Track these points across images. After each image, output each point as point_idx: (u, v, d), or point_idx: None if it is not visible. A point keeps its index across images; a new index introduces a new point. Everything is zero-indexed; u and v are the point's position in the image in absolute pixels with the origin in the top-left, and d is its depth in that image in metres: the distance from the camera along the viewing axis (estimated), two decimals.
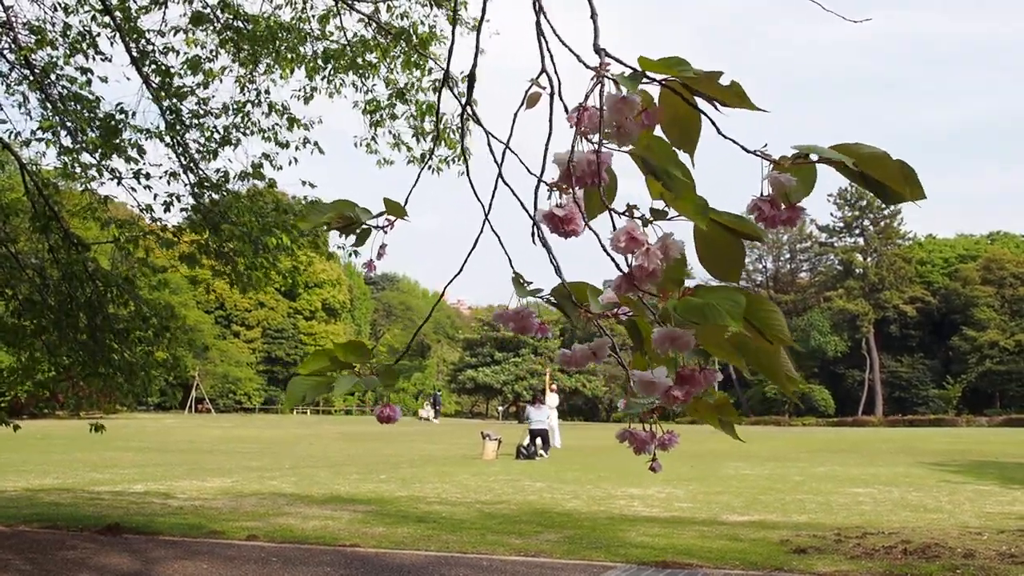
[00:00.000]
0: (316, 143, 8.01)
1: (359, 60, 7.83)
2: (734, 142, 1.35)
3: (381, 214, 1.60)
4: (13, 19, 7.28)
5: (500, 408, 66.83)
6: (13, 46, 7.34)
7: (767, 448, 24.18)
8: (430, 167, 8.01)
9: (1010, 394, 67.82)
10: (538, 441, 19.69)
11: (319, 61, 7.89)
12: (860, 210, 74.17)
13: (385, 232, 1.61)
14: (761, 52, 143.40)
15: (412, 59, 7.80)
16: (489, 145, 1.72)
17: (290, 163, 7.96)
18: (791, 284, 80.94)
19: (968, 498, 10.91)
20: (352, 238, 1.62)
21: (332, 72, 7.93)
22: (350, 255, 8.20)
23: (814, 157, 1.29)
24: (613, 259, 1.33)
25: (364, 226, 1.59)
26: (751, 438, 31.25)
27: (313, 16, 7.83)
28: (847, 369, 72.11)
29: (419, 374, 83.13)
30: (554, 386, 25.12)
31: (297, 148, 7.95)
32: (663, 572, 6.34)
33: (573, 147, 1.33)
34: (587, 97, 1.33)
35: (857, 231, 75.42)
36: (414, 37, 7.69)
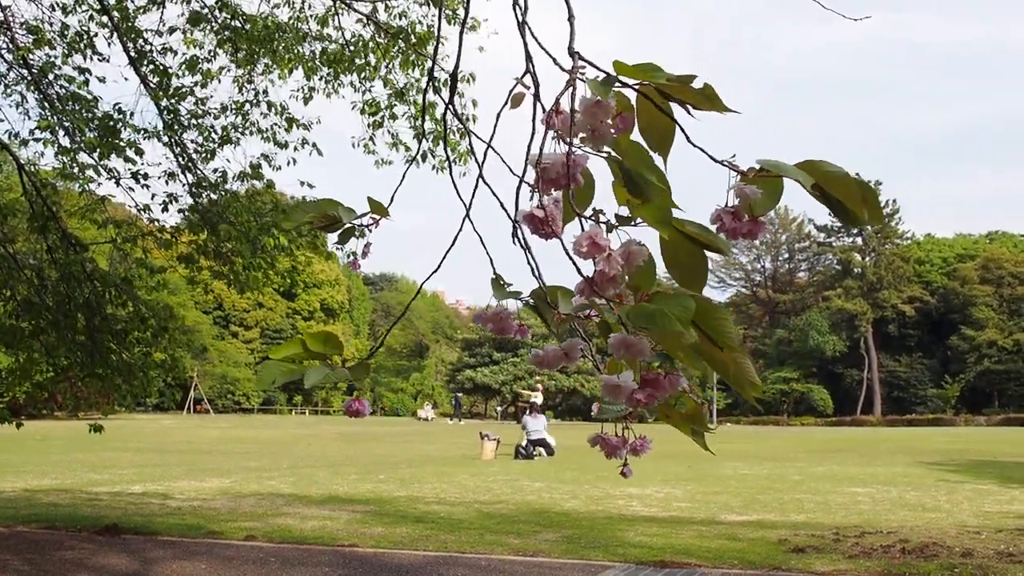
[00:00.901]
0: (315, 144, 8.01)
1: (357, 60, 7.83)
2: (702, 151, 1.35)
3: (366, 214, 1.60)
4: (10, 19, 7.28)
5: (499, 408, 66.87)
6: (11, 46, 7.33)
7: (765, 448, 24.20)
8: (433, 167, 8.02)
9: (1008, 393, 67.89)
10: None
11: (317, 61, 7.89)
12: None
13: (369, 231, 1.61)
14: (755, 55, 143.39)
15: (410, 59, 7.80)
16: (470, 145, 1.73)
17: (289, 163, 7.96)
18: (789, 284, 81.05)
19: (966, 497, 10.91)
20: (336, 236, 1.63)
21: (331, 73, 7.93)
22: (348, 256, 8.19)
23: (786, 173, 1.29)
24: (575, 263, 1.33)
25: (347, 225, 1.59)
26: (749, 438, 31.29)
27: (311, 16, 7.83)
28: (845, 369, 72.19)
29: (417, 374, 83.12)
30: (539, 386, 25.10)
31: (296, 149, 7.95)
32: (661, 572, 6.34)
33: (541, 150, 1.33)
34: (558, 100, 1.33)
35: (855, 231, 75.45)
36: (412, 37, 7.69)
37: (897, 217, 74.50)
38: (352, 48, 7.80)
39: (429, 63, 7.72)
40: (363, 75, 7.93)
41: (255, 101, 7.90)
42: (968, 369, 68.85)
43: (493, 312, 1.50)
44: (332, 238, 1.63)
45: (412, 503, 10.20)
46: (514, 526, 8.37)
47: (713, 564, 6.57)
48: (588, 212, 1.38)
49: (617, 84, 1.32)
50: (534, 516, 9.11)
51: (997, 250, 74.05)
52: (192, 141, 7.74)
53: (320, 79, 8.00)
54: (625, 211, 1.37)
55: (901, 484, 12.69)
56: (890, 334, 72.22)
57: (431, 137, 7.97)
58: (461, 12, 7.66)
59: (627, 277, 1.31)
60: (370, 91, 8.05)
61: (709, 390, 70.39)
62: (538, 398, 22.49)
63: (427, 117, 7.96)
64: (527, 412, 20.70)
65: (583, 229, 1.36)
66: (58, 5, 7.43)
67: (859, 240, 75.65)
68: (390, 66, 7.93)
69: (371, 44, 7.80)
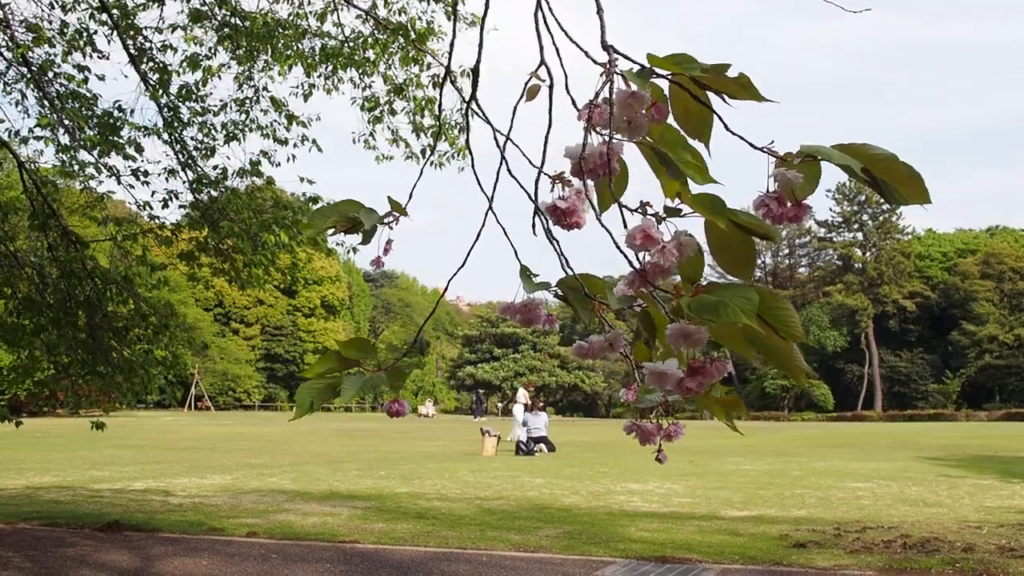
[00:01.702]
0: (314, 141, 8.01)
1: (357, 56, 7.83)
2: (742, 138, 1.36)
3: (388, 213, 1.61)
4: (10, 16, 7.27)
5: (500, 404, 66.92)
6: (10, 44, 7.33)
7: (767, 443, 24.20)
8: (432, 162, 8.01)
9: (1009, 388, 67.90)
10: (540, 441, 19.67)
11: (316, 58, 7.88)
12: (859, 205, 74.21)
13: (391, 228, 1.62)
14: (752, 55, 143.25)
15: (410, 55, 7.79)
16: (495, 139, 1.73)
17: (289, 160, 7.96)
18: (790, 279, 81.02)
19: (967, 492, 10.92)
20: (358, 237, 1.63)
21: (331, 69, 7.92)
22: (349, 252, 8.20)
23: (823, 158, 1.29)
24: (625, 255, 1.34)
25: (368, 227, 1.60)
26: (751, 433, 31.30)
27: (310, 12, 7.82)
28: (846, 364, 72.18)
29: (418, 371, 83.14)
30: (530, 387, 25.10)
31: (295, 145, 7.95)
32: (662, 567, 6.35)
33: (585, 141, 1.34)
34: (597, 94, 1.34)
35: (856, 226, 75.45)
36: (412, 32, 7.68)
37: (898, 212, 74.42)
38: (351, 45, 7.79)
39: (438, 59, 7.71)
40: (362, 70, 7.92)
41: (255, 98, 7.89)
42: (969, 364, 68.84)
43: (522, 303, 1.51)
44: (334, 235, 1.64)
45: (413, 499, 10.21)
46: (515, 522, 8.38)
47: (714, 559, 6.58)
48: (633, 202, 1.39)
49: (652, 76, 1.33)
50: (535, 512, 9.12)
51: (998, 245, 74.00)
52: (192, 138, 7.74)
53: (319, 76, 7.99)
54: (670, 203, 1.39)
55: (902, 479, 12.70)
56: (891, 329, 72.20)
57: (431, 133, 7.97)
58: (462, 8, 7.65)
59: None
60: (370, 87, 8.05)
61: None
62: (523, 395, 22.47)
63: (427, 113, 7.95)
64: (528, 409, 20.62)
65: (624, 222, 1.37)
66: (57, 3, 7.42)
67: (860, 235, 75.60)
68: (389, 62, 7.92)
69: (370, 40, 7.79)
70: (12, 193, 8.49)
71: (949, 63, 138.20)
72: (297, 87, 8.09)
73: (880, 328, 71.93)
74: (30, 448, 19.25)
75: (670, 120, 1.39)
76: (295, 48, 7.79)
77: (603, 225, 1.38)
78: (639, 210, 1.36)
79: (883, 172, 1.31)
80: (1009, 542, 7.14)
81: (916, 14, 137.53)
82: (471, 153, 2.16)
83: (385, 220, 1.61)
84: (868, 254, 74.52)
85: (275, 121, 7.90)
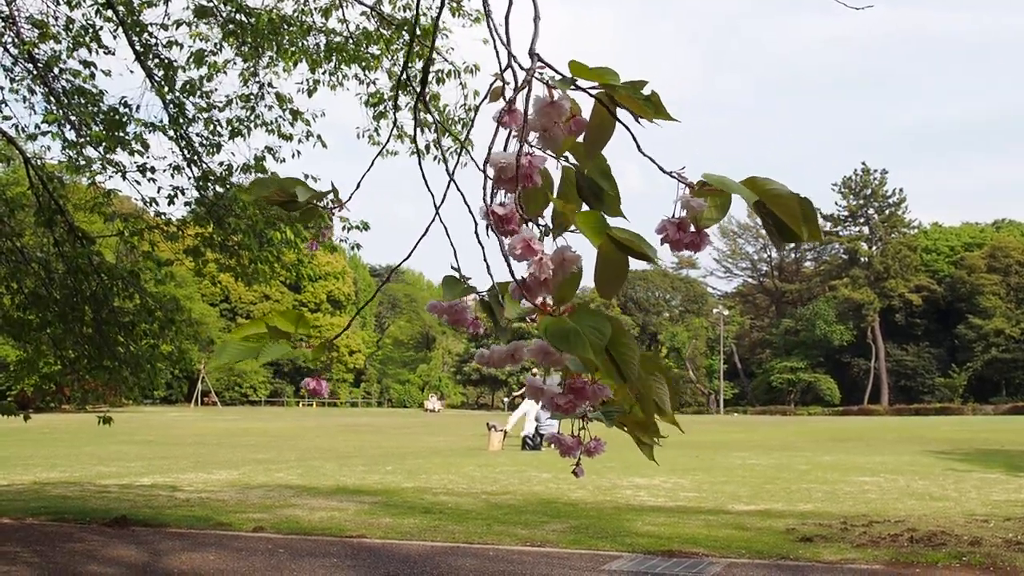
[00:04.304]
0: (319, 136, 8.02)
1: (361, 52, 7.82)
2: (652, 160, 1.34)
3: (327, 193, 1.62)
4: (16, 13, 7.29)
5: (505, 399, 66.94)
6: (16, 40, 7.34)
7: (773, 437, 24.19)
8: (436, 158, 8.00)
9: (1016, 382, 67.80)
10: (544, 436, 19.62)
11: (321, 53, 7.88)
12: (865, 199, 74.09)
13: (332, 214, 1.63)
14: (759, 48, 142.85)
15: (415, 50, 7.78)
16: (438, 139, 1.73)
17: (294, 156, 7.97)
18: (796, 273, 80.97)
19: (974, 486, 10.91)
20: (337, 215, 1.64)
21: (336, 66, 7.92)
22: (354, 248, 8.21)
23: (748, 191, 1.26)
24: (509, 266, 1.32)
25: (303, 201, 1.60)
26: (756, 428, 31.30)
27: (316, 9, 7.82)
28: (853, 358, 72.14)
29: (424, 366, 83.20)
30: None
31: (300, 141, 7.95)
32: (668, 561, 6.35)
33: (491, 149, 1.32)
34: (512, 99, 1.33)
35: (862, 220, 75.33)
36: (416, 28, 7.67)
37: (904, 206, 74.30)
38: (355, 40, 7.78)
39: (444, 56, 7.69)
40: (364, 65, 7.91)
41: (260, 94, 7.90)
42: (975, 358, 68.76)
43: (448, 304, 1.51)
44: (338, 231, 1.64)
45: (420, 494, 10.22)
46: (521, 516, 8.39)
47: (721, 553, 6.58)
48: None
49: (573, 86, 1.31)
50: (541, 506, 9.13)
51: (1004, 238, 73.84)
52: (198, 134, 7.75)
53: (324, 72, 7.99)
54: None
55: (908, 473, 12.69)
56: (897, 323, 72.12)
57: (434, 128, 7.96)
58: (465, 4, 7.63)
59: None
60: (374, 83, 8.04)
61: (716, 381, 70.37)
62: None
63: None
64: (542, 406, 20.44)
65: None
66: None
67: (866, 229, 75.48)
68: (394, 58, 7.92)
69: (374, 36, 7.79)
70: (19, 189, 8.52)
71: (954, 56, 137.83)
72: (302, 83, 8.09)
73: (886, 322, 71.86)
74: (37, 444, 19.32)
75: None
76: (300, 44, 7.79)
77: (499, 237, 1.32)
78: (530, 219, 1.33)
79: (778, 208, 1.28)
80: (1016, 536, 7.14)
81: (918, 6, 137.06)
82: (419, 152, 2.16)
83: (324, 204, 1.62)
84: (874, 248, 74.43)
85: (280, 117, 7.91)
